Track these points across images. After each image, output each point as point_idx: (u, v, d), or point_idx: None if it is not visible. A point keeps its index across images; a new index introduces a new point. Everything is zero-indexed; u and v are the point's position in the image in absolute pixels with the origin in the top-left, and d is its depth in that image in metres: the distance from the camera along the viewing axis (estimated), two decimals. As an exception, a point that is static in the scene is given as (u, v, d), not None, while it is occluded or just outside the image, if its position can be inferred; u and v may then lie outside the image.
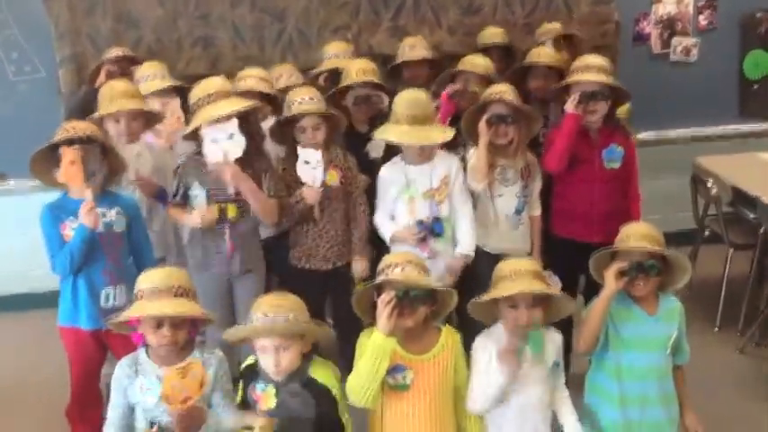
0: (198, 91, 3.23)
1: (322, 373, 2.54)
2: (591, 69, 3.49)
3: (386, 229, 3.42)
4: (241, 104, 3.19)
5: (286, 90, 3.66)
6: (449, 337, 2.66)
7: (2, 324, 4.72)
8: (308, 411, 2.49)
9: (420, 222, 3.34)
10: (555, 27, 4.42)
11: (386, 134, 3.33)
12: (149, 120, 3.52)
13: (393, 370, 2.56)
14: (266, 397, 2.50)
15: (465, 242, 3.41)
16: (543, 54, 4.02)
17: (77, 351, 3.16)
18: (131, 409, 2.47)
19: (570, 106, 3.44)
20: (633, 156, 3.63)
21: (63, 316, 3.13)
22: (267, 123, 3.54)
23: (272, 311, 2.45)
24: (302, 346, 2.50)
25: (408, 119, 3.24)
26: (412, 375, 2.58)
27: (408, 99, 3.29)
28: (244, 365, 2.61)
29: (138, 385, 2.47)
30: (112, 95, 3.39)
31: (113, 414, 2.52)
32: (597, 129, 3.54)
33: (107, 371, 3.27)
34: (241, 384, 2.59)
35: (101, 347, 3.15)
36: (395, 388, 2.59)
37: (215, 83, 3.26)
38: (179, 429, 2.37)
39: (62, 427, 3.34)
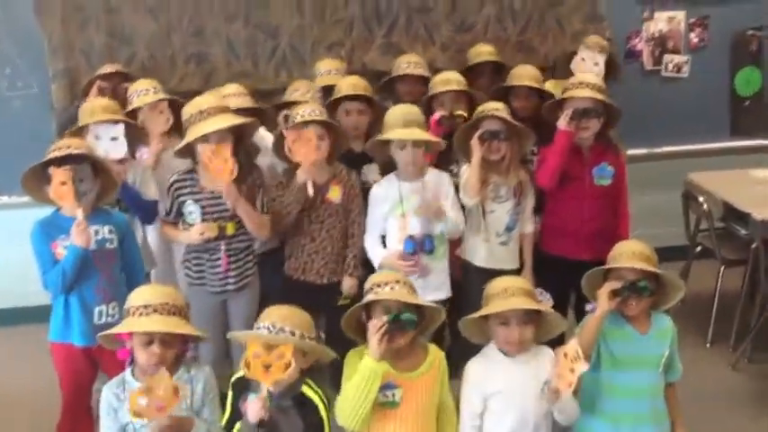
0: (190, 108, 3.24)
1: (313, 391, 2.54)
2: (584, 86, 3.52)
3: (375, 254, 3.43)
4: (231, 121, 3.19)
5: (288, 105, 3.70)
6: (435, 354, 2.67)
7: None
8: (294, 428, 2.48)
9: (410, 238, 3.33)
10: (601, 42, 4.38)
11: (383, 136, 3.37)
12: (132, 135, 3.50)
13: (383, 387, 2.56)
14: None
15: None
16: (525, 75, 4.02)
17: (68, 367, 3.15)
18: (123, 430, 2.44)
19: (563, 123, 3.46)
20: (623, 174, 3.66)
21: (54, 332, 3.12)
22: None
23: (281, 323, 2.45)
24: (302, 362, 2.49)
25: (403, 124, 3.30)
26: (401, 393, 2.58)
27: (402, 109, 3.43)
28: (234, 378, 2.58)
29: (126, 408, 2.42)
30: (93, 110, 3.40)
31: None
32: (589, 146, 3.56)
33: (99, 386, 3.27)
34: (230, 397, 2.56)
35: (92, 364, 3.14)
36: (384, 405, 2.59)
37: (207, 99, 3.29)
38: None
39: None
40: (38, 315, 4.00)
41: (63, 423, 3.26)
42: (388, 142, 3.37)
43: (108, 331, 2.52)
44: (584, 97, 3.48)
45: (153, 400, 2.30)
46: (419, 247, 3.34)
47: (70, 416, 3.23)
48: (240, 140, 3.24)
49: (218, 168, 3.10)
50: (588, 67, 4.19)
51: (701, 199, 4.52)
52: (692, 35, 5.24)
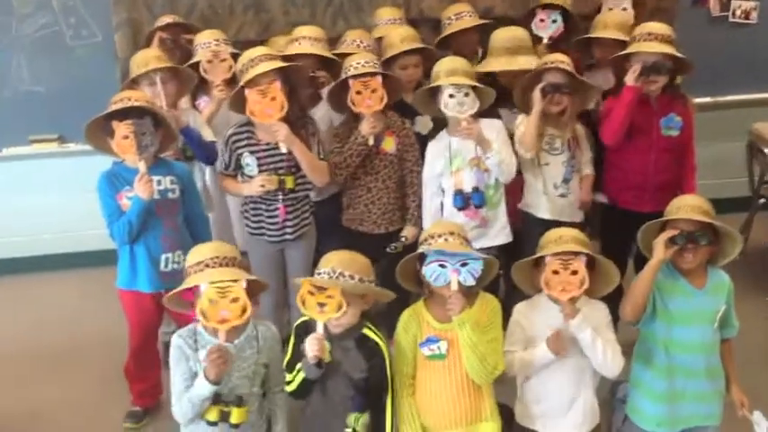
0: (241, 59, 3.29)
1: (374, 333, 2.62)
2: (653, 38, 3.39)
3: (426, 218, 3.45)
4: (277, 64, 3.21)
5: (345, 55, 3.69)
6: (484, 302, 2.70)
7: (61, 282, 4.89)
8: (357, 368, 2.56)
9: (459, 192, 3.34)
10: None
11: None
12: (184, 83, 3.57)
13: (427, 341, 2.63)
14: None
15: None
16: (610, 23, 3.89)
17: (136, 313, 3.27)
18: (195, 377, 2.51)
19: (630, 79, 3.36)
20: (691, 125, 3.56)
21: (122, 280, 3.24)
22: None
23: (341, 268, 2.51)
24: (362, 304, 2.57)
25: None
26: (446, 345, 2.63)
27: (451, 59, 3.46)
28: (298, 322, 2.65)
29: (201, 358, 2.51)
30: (146, 60, 3.46)
31: (181, 383, 2.53)
32: (656, 96, 3.47)
33: (165, 329, 3.41)
34: (292, 341, 2.62)
35: (158, 309, 3.24)
36: (432, 358, 2.65)
37: (259, 49, 3.32)
38: (209, 364, 2.42)
39: (121, 384, 3.49)
40: (104, 259, 4.16)
41: (130, 365, 3.41)
42: (435, 96, 3.33)
43: (169, 294, 2.60)
44: (653, 52, 3.36)
45: (221, 305, 2.39)
46: (467, 201, 3.34)
47: (137, 359, 3.38)
48: (292, 88, 3.25)
49: (266, 111, 3.13)
50: (617, 14, 4.05)
51: (766, 150, 4.41)
52: (762, -20, 5.05)
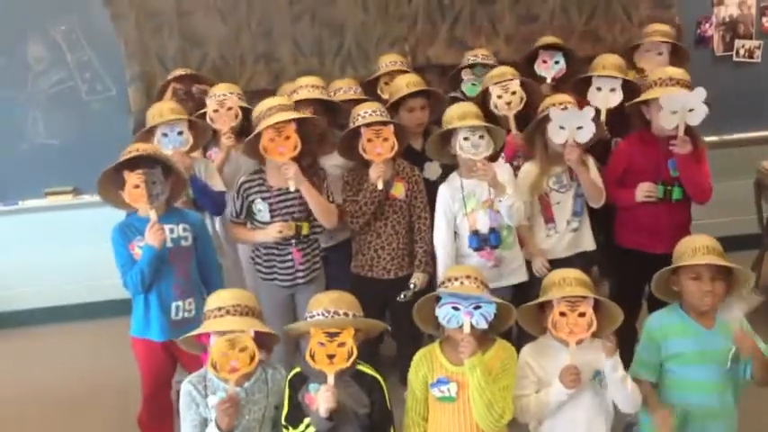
0: (259, 107, 3.38)
1: (368, 367, 2.64)
2: (675, 83, 3.44)
3: (441, 261, 3.45)
4: (295, 114, 3.30)
5: (346, 103, 3.77)
6: (500, 349, 2.70)
7: (76, 331, 4.93)
8: (361, 403, 2.57)
9: (475, 234, 3.38)
10: (665, 30, 4.27)
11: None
12: (199, 134, 3.63)
13: (438, 383, 2.65)
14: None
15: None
16: (609, 64, 3.93)
17: (149, 361, 3.29)
18: (205, 423, 2.55)
19: (640, 196, 3.47)
20: (702, 160, 3.56)
21: (135, 328, 3.27)
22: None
23: (334, 307, 2.57)
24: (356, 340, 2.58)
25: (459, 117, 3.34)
26: (456, 388, 2.64)
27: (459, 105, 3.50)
28: (290, 375, 2.66)
29: (211, 404, 2.55)
30: (161, 112, 3.53)
31: (191, 430, 2.58)
32: (666, 137, 3.46)
33: (178, 378, 3.41)
34: (287, 394, 2.63)
35: (171, 358, 3.28)
36: (442, 400, 2.66)
37: (276, 99, 3.42)
38: (220, 413, 2.47)
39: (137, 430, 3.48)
40: (119, 309, 4.19)
41: (144, 414, 3.41)
42: (447, 142, 3.39)
43: (186, 335, 2.64)
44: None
45: (231, 355, 2.46)
46: (484, 242, 3.38)
47: (151, 407, 3.38)
48: (305, 138, 3.30)
49: (279, 149, 3.20)
50: (652, 58, 4.13)
51: (774, 187, 4.42)
52: (765, 19, 5.08)
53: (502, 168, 3.45)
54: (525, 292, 3.41)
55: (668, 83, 3.46)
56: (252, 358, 2.49)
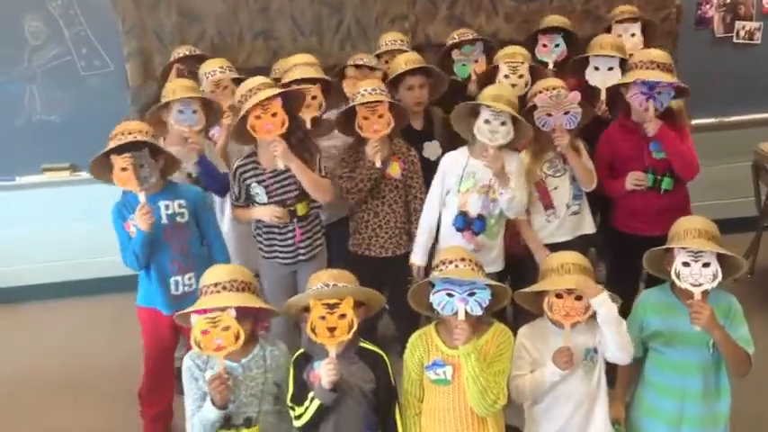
0: (241, 89, 3.34)
1: (370, 343, 2.66)
2: (655, 66, 3.39)
3: (422, 237, 3.46)
4: (276, 91, 3.26)
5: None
6: (496, 333, 2.69)
7: (75, 308, 4.93)
8: (365, 378, 2.60)
9: (462, 214, 3.34)
10: (630, 9, 4.26)
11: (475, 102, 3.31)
12: (211, 113, 3.61)
13: (432, 365, 2.65)
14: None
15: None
16: (605, 44, 3.89)
17: (153, 331, 3.31)
18: (205, 397, 2.56)
19: (629, 184, 3.48)
20: (686, 136, 3.54)
21: (142, 297, 3.30)
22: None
23: (332, 280, 2.59)
24: (357, 316, 2.58)
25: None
26: (451, 371, 2.64)
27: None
28: (294, 356, 2.67)
29: (209, 378, 2.56)
30: (175, 89, 3.52)
31: (193, 404, 2.60)
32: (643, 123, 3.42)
33: (180, 353, 3.43)
34: (292, 374, 2.64)
35: (175, 331, 3.30)
36: (437, 383, 2.66)
37: (257, 79, 3.35)
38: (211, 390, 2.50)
39: (133, 411, 3.51)
40: (118, 285, 4.21)
41: (144, 387, 3.44)
42: (473, 116, 3.27)
43: (182, 312, 2.64)
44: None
45: (215, 334, 2.47)
46: (468, 225, 3.34)
47: (152, 380, 3.41)
48: (291, 113, 3.28)
49: (266, 126, 3.19)
50: (626, 40, 4.08)
51: (771, 169, 4.43)
52: (765, 0, 5.08)
53: (511, 157, 3.36)
54: (517, 275, 3.46)
55: (649, 66, 3.41)
56: (237, 337, 2.49)
